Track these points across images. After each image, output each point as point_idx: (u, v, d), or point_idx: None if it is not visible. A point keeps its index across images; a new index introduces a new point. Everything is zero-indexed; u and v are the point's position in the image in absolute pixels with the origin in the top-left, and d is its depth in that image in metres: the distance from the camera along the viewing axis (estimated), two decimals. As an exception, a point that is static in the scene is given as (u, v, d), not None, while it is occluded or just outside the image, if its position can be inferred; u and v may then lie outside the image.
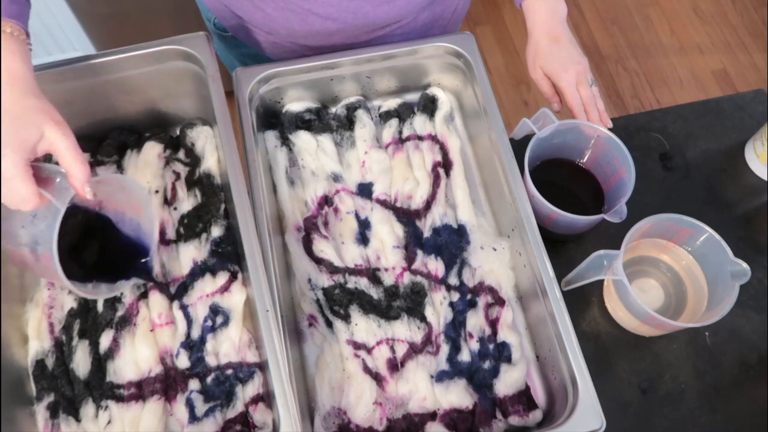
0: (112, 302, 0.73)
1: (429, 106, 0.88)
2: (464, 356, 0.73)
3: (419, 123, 0.87)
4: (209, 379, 0.70)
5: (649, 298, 0.82)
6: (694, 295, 0.79)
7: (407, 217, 0.81)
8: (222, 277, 0.73)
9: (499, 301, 0.77)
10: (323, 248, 0.78)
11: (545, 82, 0.83)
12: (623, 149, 0.78)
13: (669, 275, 0.82)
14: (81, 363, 0.70)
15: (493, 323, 0.76)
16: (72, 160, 0.57)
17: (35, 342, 0.72)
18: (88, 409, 0.69)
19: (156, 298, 0.73)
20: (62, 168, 0.58)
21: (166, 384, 0.70)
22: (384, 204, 0.82)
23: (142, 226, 0.70)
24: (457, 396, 0.71)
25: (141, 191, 0.68)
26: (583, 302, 0.82)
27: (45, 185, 0.58)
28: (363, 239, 0.80)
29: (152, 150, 0.81)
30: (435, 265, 0.77)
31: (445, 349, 0.73)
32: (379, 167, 0.84)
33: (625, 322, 0.80)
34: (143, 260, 0.70)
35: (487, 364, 0.73)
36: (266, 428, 0.68)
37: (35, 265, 0.61)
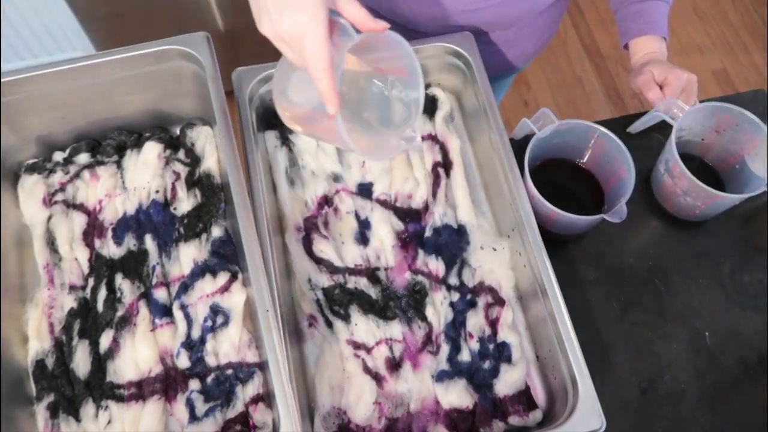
0: (112, 302, 0.73)
1: (429, 106, 0.88)
2: (464, 356, 0.73)
3: (419, 123, 0.87)
4: (209, 379, 0.70)
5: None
6: None
7: (407, 217, 0.81)
8: (222, 278, 0.73)
9: (499, 301, 0.77)
10: (323, 248, 0.78)
11: (652, 84, 0.86)
12: (623, 149, 0.78)
13: None
14: (81, 363, 0.70)
15: (493, 323, 0.76)
16: (354, 7, 0.54)
17: (35, 342, 0.72)
18: (88, 409, 0.69)
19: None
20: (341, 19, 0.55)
21: (166, 384, 0.70)
22: (384, 204, 0.82)
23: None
24: (458, 396, 0.71)
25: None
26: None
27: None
28: (363, 239, 0.80)
29: (152, 150, 0.81)
30: (435, 265, 0.77)
31: (445, 349, 0.73)
32: (379, 167, 0.83)
33: None
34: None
35: (487, 364, 0.73)
36: (266, 428, 0.68)
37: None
